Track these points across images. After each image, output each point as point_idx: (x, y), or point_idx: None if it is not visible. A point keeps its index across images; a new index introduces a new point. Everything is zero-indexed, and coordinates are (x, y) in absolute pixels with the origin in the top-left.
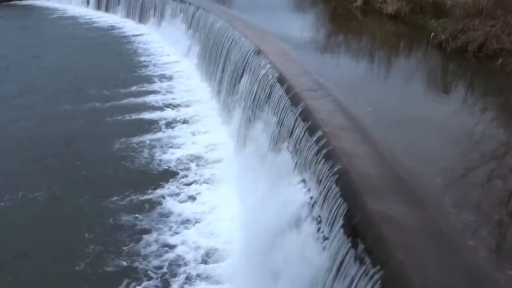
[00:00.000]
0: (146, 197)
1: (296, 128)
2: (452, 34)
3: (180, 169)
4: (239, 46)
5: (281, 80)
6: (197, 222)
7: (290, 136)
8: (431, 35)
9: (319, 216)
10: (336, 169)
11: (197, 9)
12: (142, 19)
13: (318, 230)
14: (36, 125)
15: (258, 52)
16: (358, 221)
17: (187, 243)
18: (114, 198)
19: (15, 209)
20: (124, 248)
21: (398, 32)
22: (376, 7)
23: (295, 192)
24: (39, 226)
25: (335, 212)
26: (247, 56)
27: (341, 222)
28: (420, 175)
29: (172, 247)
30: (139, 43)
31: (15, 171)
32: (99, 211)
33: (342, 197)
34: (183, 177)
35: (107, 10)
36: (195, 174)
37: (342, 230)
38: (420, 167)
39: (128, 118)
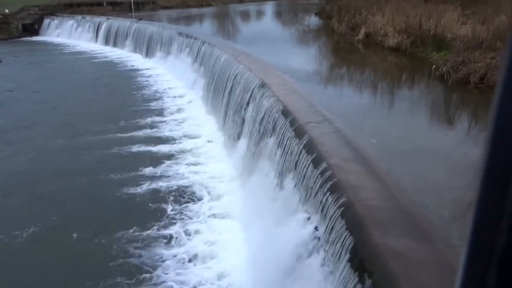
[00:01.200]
0: (146, 232)
1: (300, 160)
2: (453, 66)
3: (183, 202)
4: (243, 79)
5: (285, 112)
6: (202, 262)
7: (295, 168)
8: (433, 67)
9: (325, 250)
10: (341, 201)
11: (203, 44)
12: (149, 53)
13: (324, 264)
14: (32, 159)
15: (263, 85)
16: (364, 255)
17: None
18: (116, 234)
19: (12, 245)
20: None
21: (400, 64)
22: (377, 40)
23: (300, 226)
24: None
25: (341, 246)
26: (252, 89)
27: (347, 256)
28: (426, 207)
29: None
30: (145, 76)
31: (10, 205)
32: (100, 248)
33: (348, 230)
34: (187, 210)
35: (115, 45)
36: (199, 209)
37: (348, 264)
38: (426, 199)
39: (132, 150)
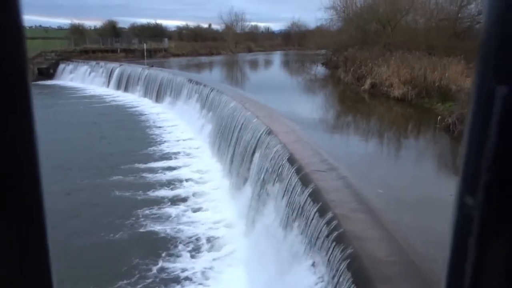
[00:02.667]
0: (150, 276)
1: (306, 209)
2: (459, 118)
3: (187, 250)
4: (250, 126)
5: (291, 160)
6: None
7: (301, 216)
8: (438, 118)
9: None
10: (347, 253)
11: (211, 90)
12: (158, 98)
13: None
14: None
15: (269, 132)
16: None
17: None
18: (123, 275)
19: None
20: None
21: (405, 115)
22: (383, 90)
23: (305, 276)
24: None
25: None
26: (258, 136)
27: None
28: (434, 260)
29: None
30: (154, 121)
31: None
32: None
33: (354, 283)
34: (191, 258)
35: (126, 89)
36: (203, 256)
37: None
38: (434, 252)
39: (137, 194)
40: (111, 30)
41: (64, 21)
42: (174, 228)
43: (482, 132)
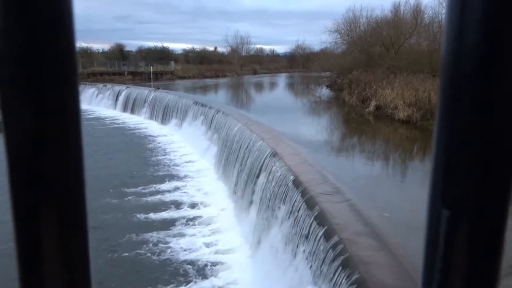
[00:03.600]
0: None
1: (312, 233)
2: None
3: (191, 274)
4: (255, 148)
5: (296, 182)
6: None
7: (306, 240)
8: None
9: None
10: (354, 278)
11: (217, 112)
12: (164, 120)
13: None
14: None
15: (274, 154)
16: None
17: None
18: None
19: None
20: None
21: (411, 137)
22: (388, 112)
23: None
24: None
25: None
26: (264, 158)
27: None
28: None
29: None
30: (160, 143)
31: None
32: None
33: None
34: (195, 282)
35: (132, 112)
36: (208, 278)
37: None
38: None
39: (142, 216)
40: (119, 53)
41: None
42: (177, 250)
43: (433, 252)
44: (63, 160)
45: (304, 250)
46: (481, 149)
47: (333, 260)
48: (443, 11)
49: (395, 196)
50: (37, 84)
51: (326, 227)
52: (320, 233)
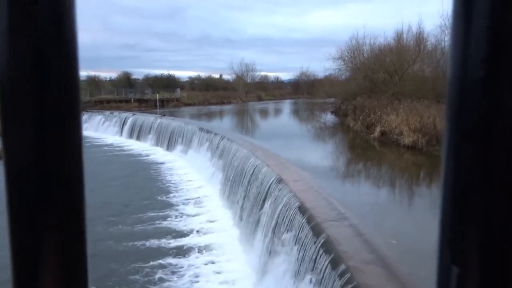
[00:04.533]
0: None
1: (318, 260)
2: None
3: None
4: (261, 175)
5: (302, 209)
6: None
7: (313, 268)
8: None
9: None
10: None
11: (222, 139)
12: (170, 147)
13: None
14: None
15: (280, 181)
16: None
17: None
18: None
19: None
20: None
21: (416, 162)
22: (393, 138)
23: None
24: None
25: None
26: (269, 185)
27: None
28: None
29: None
30: (165, 169)
31: None
32: None
33: None
34: None
35: (138, 138)
36: None
37: None
38: None
39: (146, 244)
40: (126, 81)
41: (82, 73)
42: (184, 279)
43: None
44: (65, 184)
45: (311, 279)
46: (489, 202)
47: None
48: (446, 38)
49: (402, 223)
50: (40, 114)
51: (333, 255)
52: (327, 261)
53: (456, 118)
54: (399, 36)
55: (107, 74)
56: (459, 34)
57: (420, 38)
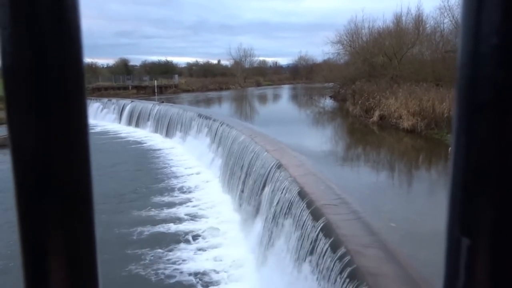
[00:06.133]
0: None
1: (318, 244)
2: None
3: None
4: (260, 160)
5: (301, 194)
6: None
7: (312, 252)
8: (449, 149)
9: None
10: None
11: (221, 125)
12: (169, 133)
13: None
14: None
15: (279, 166)
16: None
17: None
18: None
19: None
20: None
21: (415, 146)
22: (392, 122)
23: None
24: None
25: None
26: (268, 170)
27: None
28: None
29: None
30: (164, 156)
31: None
32: None
33: None
34: None
35: (137, 125)
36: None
37: None
38: None
39: (146, 230)
40: (123, 68)
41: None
42: (184, 263)
43: (454, 284)
44: (71, 172)
45: (310, 262)
46: (502, 175)
47: (340, 272)
48: (445, 20)
49: (402, 206)
50: (44, 101)
51: (332, 238)
52: (327, 245)
53: (468, 90)
54: (398, 19)
55: (105, 61)
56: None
57: (419, 20)
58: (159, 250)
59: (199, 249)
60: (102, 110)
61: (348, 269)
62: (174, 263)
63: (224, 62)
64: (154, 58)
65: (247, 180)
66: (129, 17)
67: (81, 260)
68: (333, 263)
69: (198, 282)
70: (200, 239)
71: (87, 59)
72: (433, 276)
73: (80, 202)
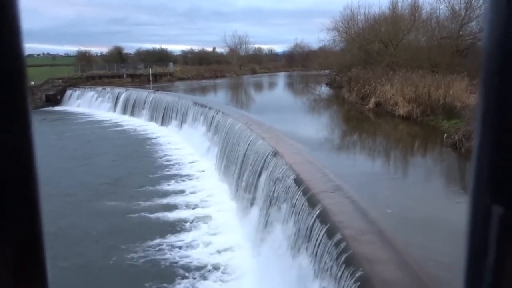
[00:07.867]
0: None
1: (314, 231)
2: (465, 135)
3: (193, 276)
4: (256, 148)
5: (298, 181)
6: None
7: (309, 239)
8: (445, 136)
9: None
10: (357, 275)
11: (217, 113)
12: (164, 122)
13: None
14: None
15: (275, 154)
16: None
17: None
18: None
19: None
20: None
21: (411, 132)
22: (387, 109)
23: None
24: None
25: None
26: (265, 158)
27: None
28: (448, 283)
29: None
30: (160, 144)
31: None
32: None
33: None
34: (196, 283)
35: (132, 114)
36: (210, 279)
37: None
38: (447, 275)
39: (143, 217)
40: (117, 56)
41: (71, 48)
42: (182, 251)
43: (480, 256)
44: (13, 162)
45: (307, 248)
46: None
47: (336, 258)
48: (441, 7)
49: (397, 193)
50: None
51: (328, 225)
52: (323, 231)
53: (493, 62)
54: (394, 5)
55: (98, 49)
56: None
57: (415, 6)
58: (156, 237)
59: (194, 235)
60: (96, 99)
61: (344, 255)
62: (169, 248)
63: (219, 50)
64: (149, 46)
65: (244, 168)
66: (120, 3)
67: (30, 269)
68: (329, 249)
69: (194, 270)
70: (195, 227)
71: (80, 47)
72: (427, 260)
73: (28, 213)
